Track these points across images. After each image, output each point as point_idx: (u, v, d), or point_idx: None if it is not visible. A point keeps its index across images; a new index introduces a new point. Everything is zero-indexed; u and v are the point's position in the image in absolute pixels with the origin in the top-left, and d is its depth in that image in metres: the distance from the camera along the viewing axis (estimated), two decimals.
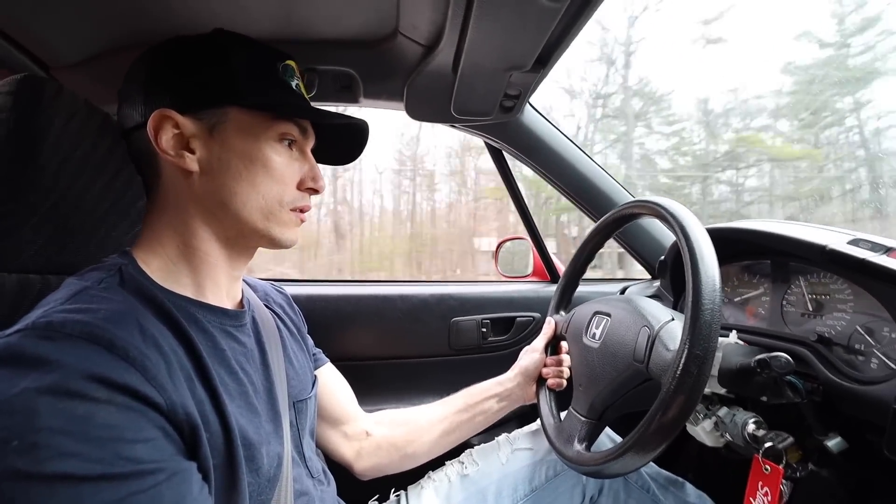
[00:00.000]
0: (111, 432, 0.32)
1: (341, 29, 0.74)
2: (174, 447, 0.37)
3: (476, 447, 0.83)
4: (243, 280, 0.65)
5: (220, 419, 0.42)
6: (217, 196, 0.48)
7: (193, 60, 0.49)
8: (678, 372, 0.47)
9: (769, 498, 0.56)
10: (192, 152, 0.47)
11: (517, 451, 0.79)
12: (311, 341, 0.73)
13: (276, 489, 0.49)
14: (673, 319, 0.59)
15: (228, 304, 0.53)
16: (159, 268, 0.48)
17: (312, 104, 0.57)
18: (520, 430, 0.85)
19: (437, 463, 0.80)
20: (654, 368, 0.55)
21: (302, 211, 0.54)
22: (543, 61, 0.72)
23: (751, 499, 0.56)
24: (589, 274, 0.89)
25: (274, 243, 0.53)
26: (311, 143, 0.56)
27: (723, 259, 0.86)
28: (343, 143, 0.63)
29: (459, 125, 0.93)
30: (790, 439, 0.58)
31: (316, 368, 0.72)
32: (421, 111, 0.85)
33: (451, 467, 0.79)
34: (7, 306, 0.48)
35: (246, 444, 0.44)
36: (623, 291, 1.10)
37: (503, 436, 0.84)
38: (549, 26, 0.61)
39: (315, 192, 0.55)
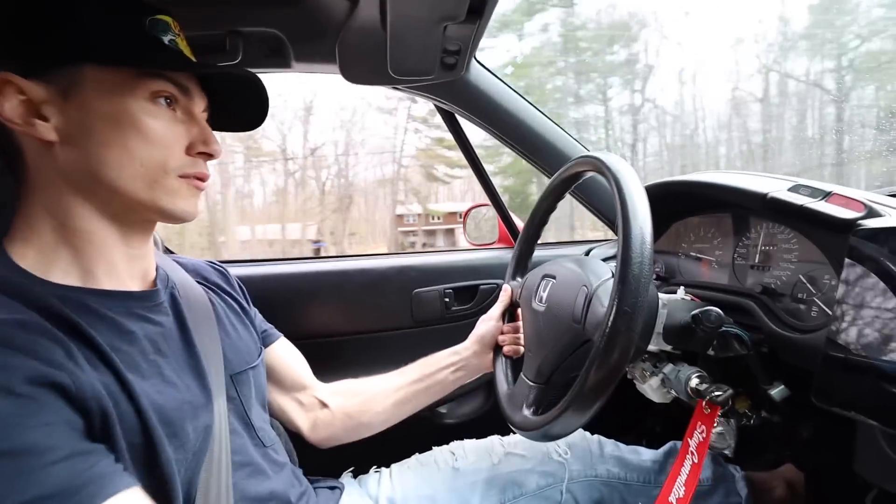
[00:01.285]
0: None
1: None
2: (77, 433, 0.37)
3: (468, 443, 0.81)
4: (173, 260, 0.63)
5: (129, 399, 0.42)
6: (85, 167, 0.44)
7: (35, 16, 0.43)
8: (607, 329, 0.46)
9: (704, 435, 0.57)
10: (46, 120, 0.43)
11: (510, 454, 0.78)
12: (258, 317, 0.72)
13: (206, 461, 0.49)
14: (612, 276, 0.58)
15: (134, 285, 0.51)
16: (37, 259, 0.44)
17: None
18: (515, 435, 0.83)
19: (425, 448, 0.80)
20: (590, 328, 0.54)
21: (198, 179, 0.50)
22: (478, 10, 0.66)
23: (688, 439, 0.57)
24: (553, 237, 0.87)
25: (166, 215, 0.49)
26: (198, 104, 0.51)
27: (680, 214, 0.85)
28: (244, 107, 0.57)
29: (402, 87, 0.87)
30: (730, 391, 0.58)
31: (269, 344, 0.72)
32: (358, 73, 0.80)
33: (441, 454, 0.79)
34: None
35: (166, 421, 0.44)
36: (587, 254, 1.09)
37: (497, 438, 0.82)
38: None
39: (209, 156, 0.51)
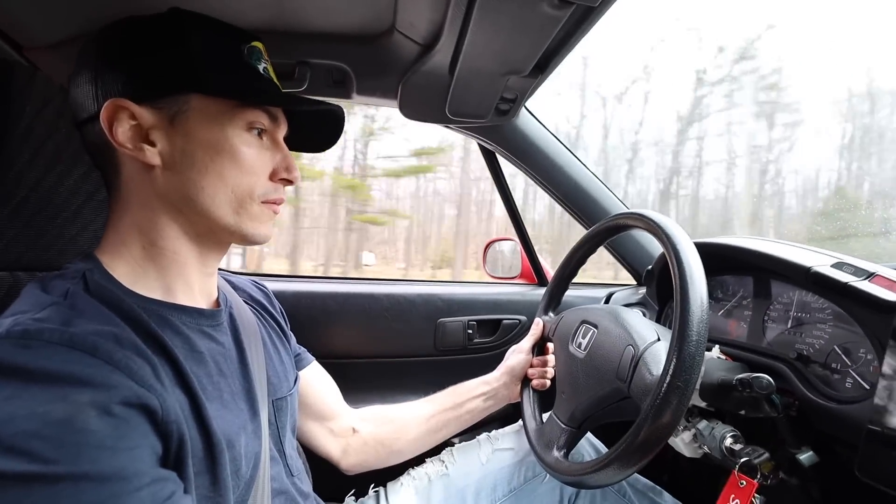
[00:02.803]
0: (90, 438, 0.32)
1: (336, 23, 0.72)
2: (155, 458, 0.36)
3: (456, 445, 0.83)
4: (222, 277, 0.64)
5: (199, 424, 0.41)
6: (182, 191, 0.45)
7: (148, 43, 0.45)
8: (658, 400, 0.48)
9: None
10: (153, 145, 0.44)
11: (498, 451, 0.80)
12: (293, 339, 0.72)
13: (254, 488, 0.48)
14: (658, 340, 0.60)
15: (203, 302, 0.51)
16: (126, 271, 0.45)
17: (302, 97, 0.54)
18: (501, 429, 0.86)
19: (417, 460, 0.81)
20: (636, 390, 0.56)
21: (275, 203, 0.51)
22: (542, 67, 0.71)
23: None
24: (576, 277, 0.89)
25: (246, 239, 0.50)
26: (282, 131, 0.53)
27: (708, 271, 0.88)
28: (317, 130, 0.59)
29: (453, 126, 0.91)
30: (766, 455, 0.60)
31: (301, 368, 0.72)
32: (415, 110, 0.83)
33: (431, 465, 0.80)
34: None
35: (229, 445, 0.44)
36: (609, 297, 1.11)
37: (484, 435, 0.85)
38: (550, 33, 0.60)
39: (289, 182, 0.52)
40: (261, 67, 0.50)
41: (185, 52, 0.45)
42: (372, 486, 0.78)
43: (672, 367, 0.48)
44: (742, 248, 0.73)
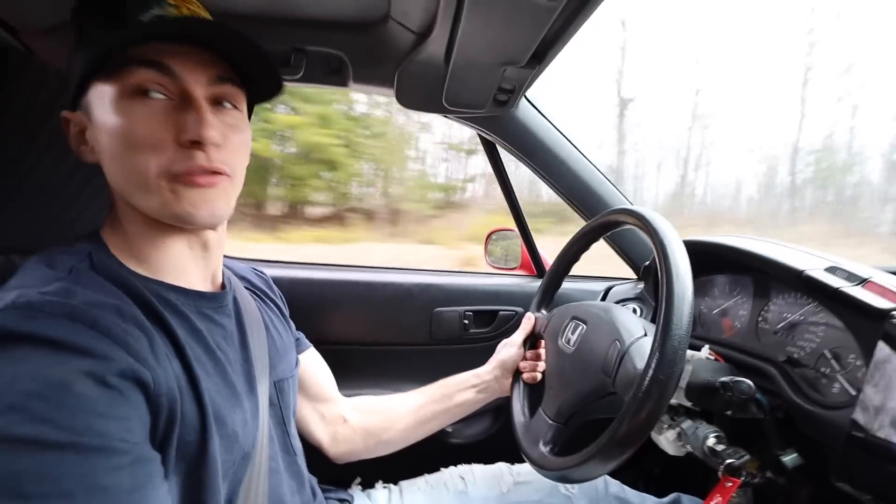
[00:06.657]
0: (85, 403, 0.33)
1: (331, 10, 0.71)
2: (145, 432, 0.37)
3: (477, 468, 0.83)
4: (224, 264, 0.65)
5: (194, 395, 0.43)
6: (111, 182, 0.47)
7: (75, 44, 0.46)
8: (640, 393, 0.48)
9: None
10: (87, 144, 0.47)
11: (519, 483, 0.80)
12: (293, 324, 0.74)
13: (250, 466, 0.50)
14: (645, 335, 0.60)
15: (202, 286, 0.52)
16: (125, 254, 0.47)
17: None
18: (524, 464, 0.84)
19: (432, 467, 0.82)
20: (620, 384, 0.56)
21: (186, 176, 0.43)
22: (539, 57, 0.69)
23: None
24: (575, 270, 0.89)
25: (181, 221, 0.45)
26: (196, 82, 0.44)
27: (706, 270, 0.87)
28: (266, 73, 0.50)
29: (451, 115, 0.90)
30: (746, 456, 0.59)
31: (300, 352, 0.73)
32: (412, 100, 0.82)
33: (450, 476, 0.80)
34: None
35: (220, 421, 0.45)
36: (607, 291, 1.11)
37: (505, 465, 0.85)
38: (545, 24, 0.59)
39: (196, 143, 0.43)
40: (147, 16, 0.42)
41: (79, 44, 0.45)
42: (381, 481, 0.80)
43: (655, 360, 0.48)
44: (736, 247, 0.71)
